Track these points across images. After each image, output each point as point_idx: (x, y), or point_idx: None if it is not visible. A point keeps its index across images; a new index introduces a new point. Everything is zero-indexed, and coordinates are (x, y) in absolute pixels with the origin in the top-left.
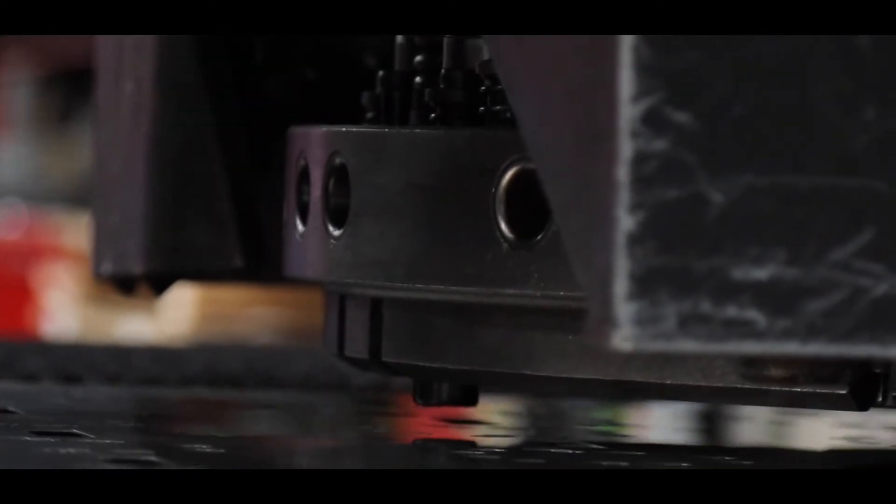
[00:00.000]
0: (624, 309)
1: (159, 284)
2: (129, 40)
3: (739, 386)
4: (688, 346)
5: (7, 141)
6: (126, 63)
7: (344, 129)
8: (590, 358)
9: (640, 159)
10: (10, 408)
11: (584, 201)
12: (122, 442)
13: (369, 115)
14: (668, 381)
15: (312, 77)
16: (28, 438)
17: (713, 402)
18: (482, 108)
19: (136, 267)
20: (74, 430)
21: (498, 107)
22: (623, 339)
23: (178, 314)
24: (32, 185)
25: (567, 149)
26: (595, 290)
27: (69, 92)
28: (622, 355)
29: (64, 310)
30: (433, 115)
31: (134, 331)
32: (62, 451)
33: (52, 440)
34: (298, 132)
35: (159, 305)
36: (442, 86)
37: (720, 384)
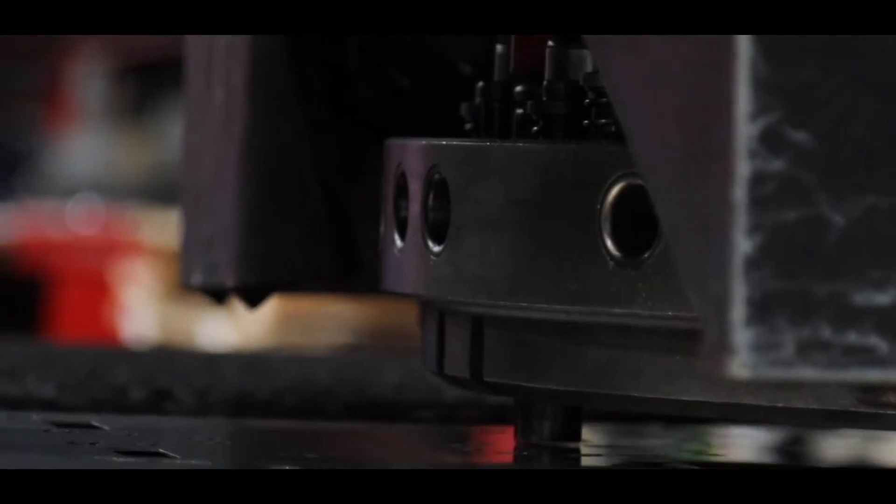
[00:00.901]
0: (741, 335)
1: (251, 297)
2: (221, 45)
3: (854, 410)
4: (807, 373)
5: (82, 134)
6: (217, 68)
7: (444, 142)
8: (699, 380)
9: (757, 180)
10: (95, 422)
11: (698, 222)
12: (209, 464)
13: (468, 126)
14: (780, 405)
15: (406, 84)
16: (113, 458)
17: (826, 426)
18: (586, 121)
19: (228, 279)
20: (160, 451)
21: (603, 120)
22: (740, 366)
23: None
24: (108, 180)
25: (679, 166)
26: (710, 315)
27: (144, 84)
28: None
29: (142, 306)
30: (535, 127)
31: (212, 327)
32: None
33: (136, 460)
34: (395, 144)
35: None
36: (544, 98)
37: (834, 407)
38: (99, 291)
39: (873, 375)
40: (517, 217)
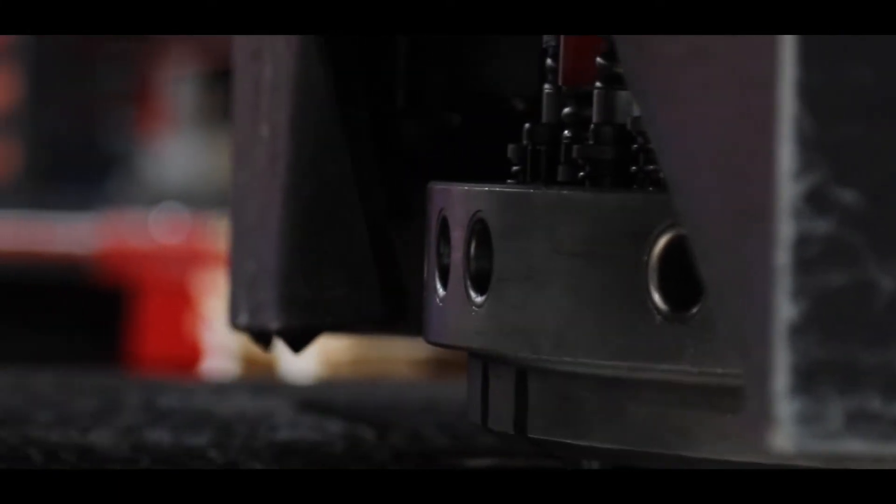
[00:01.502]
0: (785, 406)
1: (296, 340)
2: (266, 80)
3: None
4: (855, 446)
5: (172, 139)
6: (263, 106)
7: (486, 187)
8: (751, 441)
9: (802, 241)
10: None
11: (740, 284)
12: None
13: (514, 168)
14: (837, 467)
15: (455, 123)
16: None
17: None
18: (633, 167)
19: (272, 322)
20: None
21: (651, 166)
22: (784, 439)
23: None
24: (194, 187)
25: (720, 224)
26: (753, 383)
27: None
28: None
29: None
30: (581, 172)
31: None
32: None
33: None
34: (438, 188)
35: None
36: (591, 141)
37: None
38: (181, 302)
39: None
40: (561, 268)
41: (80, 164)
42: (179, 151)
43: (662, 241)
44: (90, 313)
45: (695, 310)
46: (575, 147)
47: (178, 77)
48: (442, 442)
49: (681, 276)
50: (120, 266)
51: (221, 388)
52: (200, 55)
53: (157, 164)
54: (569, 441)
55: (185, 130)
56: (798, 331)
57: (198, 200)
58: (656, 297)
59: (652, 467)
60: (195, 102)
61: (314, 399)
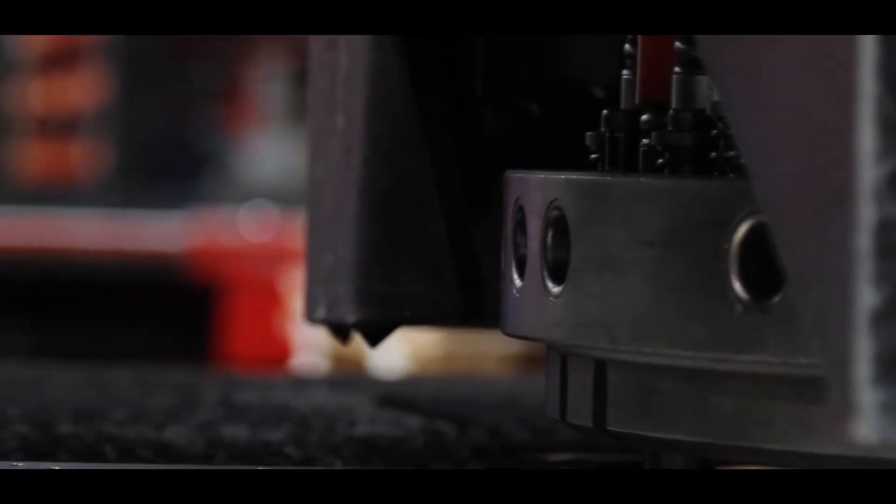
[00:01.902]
0: (867, 395)
1: (373, 334)
2: (342, 68)
3: None
4: None
5: (262, 137)
6: (338, 96)
7: (563, 175)
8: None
9: (884, 226)
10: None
11: (821, 271)
12: None
13: (593, 156)
14: None
15: (535, 111)
16: None
17: None
18: (713, 154)
19: (349, 315)
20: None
21: (731, 152)
22: (867, 429)
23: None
24: (284, 185)
25: (800, 209)
26: (834, 373)
27: None
28: None
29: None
30: (660, 159)
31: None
32: None
33: None
34: (515, 177)
35: None
36: (670, 128)
37: None
38: (270, 300)
39: None
40: (639, 257)
41: (172, 162)
42: (269, 149)
43: (743, 229)
44: (180, 311)
45: (776, 299)
46: (653, 134)
47: (268, 75)
48: (522, 437)
49: (762, 264)
50: (210, 264)
51: (300, 384)
52: (290, 53)
53: (247, 161)
54: (649, 434)
55: (274, 128)
56: (880, 318)
57: (287, 198)
58: (737, 286)
59: (735, 461)
60: (285, 101)
61: (394, 394)
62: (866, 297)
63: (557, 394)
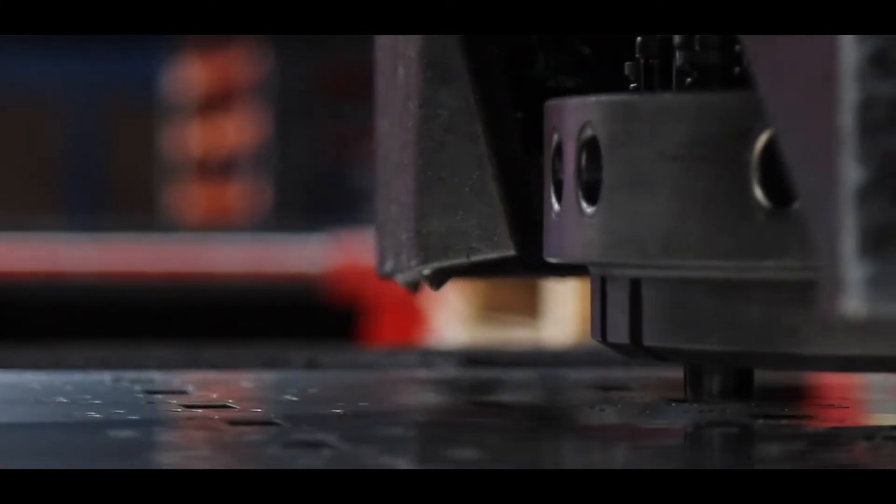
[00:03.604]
0: (855, 269)
1: (435, 277)
2: None
3: None
4: None
5: None
6: (399, 47)
7: (594, 98)
8: (858, 332)
9: (867, 104)
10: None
11: (811, 151)
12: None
13: (632, 85)
14: None
15: (587, 52)
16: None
17: None
18: (738, 69)
19: (411, 260)
20: (322, 440)
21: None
22: (854, 302)
23: (562, 325)
24: None
25: (794, 93)
26: (824, 249)
27: None
28: (891, 329)
29: (453, 331)
30: (689, 79)
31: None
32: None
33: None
34: (552, 105)
35: (543, 314)
36: (697, 48)
37: None
38: (412, 318)
39: None
40: (666, 172)
41: (326, 198)
42: None
43: (763, 139)
44: (324, 331)
45: (797, 205)
46: (681, 55)
47: None
48: None
49: (783, 172)
50: (351, 284)
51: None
52: None
53: None
54: (683, 347)
55: None
56: (866, 193)
57: None
58: (759, 195)
59: (763, 368)
60: None
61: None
62: (851, 173)
63: (599, 315)
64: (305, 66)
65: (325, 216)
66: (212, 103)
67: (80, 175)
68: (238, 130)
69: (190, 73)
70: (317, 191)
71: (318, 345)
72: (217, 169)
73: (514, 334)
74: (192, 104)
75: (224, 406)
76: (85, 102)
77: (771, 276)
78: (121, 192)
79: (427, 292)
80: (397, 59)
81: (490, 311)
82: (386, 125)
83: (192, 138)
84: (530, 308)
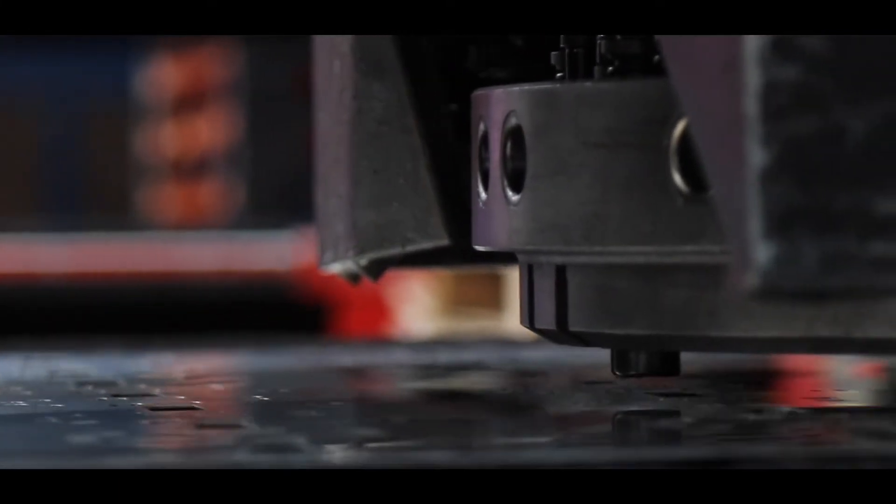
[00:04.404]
0: (761, 249)
1: (372, 269)
2: None
3: None
4: (832, 286)
5: None
6: (334, 41)
7: (517, 88)
8: (775, 315)
9: (770, 89)
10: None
11: (719, 135)
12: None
13: (559, 74)
14: (858, 335)
15: (518, 43)
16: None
17: None
18: (657, 57)
19: (348, 251)
20: (240, 423)
21: None
22: (761, 281)
23: None
24: None
25: (704, 82)
26: (732, 230)
27: None
28: (809, 311)
29: (419, 327)
30: (611, 67)
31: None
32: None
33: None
34: (479, 95)
35: (508, 307)
36: (618, 37)
37: None
38: (379, 314)
39: None
40: (588, 159)
41: (298, 197)
42: None
43: (681, 125)
44: (291, 329)
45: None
46: (603, 44)
47: None
48: None
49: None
50: (317, 281)
51: None
52: None
53: None
54: (607, 331)
55: None
56: (770, 176)
57: None
58: (678, 180)
59: (685, 350)
60: None
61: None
62: (756, 156)
63: (526, 302)
64: (277, 66)
65: (297, 214)
66: (185, 104)
67: (54, 176)
68: (211, 130)
69: (163, 74)
70: (290, 189)
71: (287, 341)
72: (190, 169)
73: (480, 326)
74: (165, 105)
75: (148, 395)
76: (58, 104)
77: (691, 259)
78: (95, 192)
79: (394, 287)
80: (333, 54)
81: (455, 304)
82: (323, 119)
83: (166, 139)
84: (495, 301)
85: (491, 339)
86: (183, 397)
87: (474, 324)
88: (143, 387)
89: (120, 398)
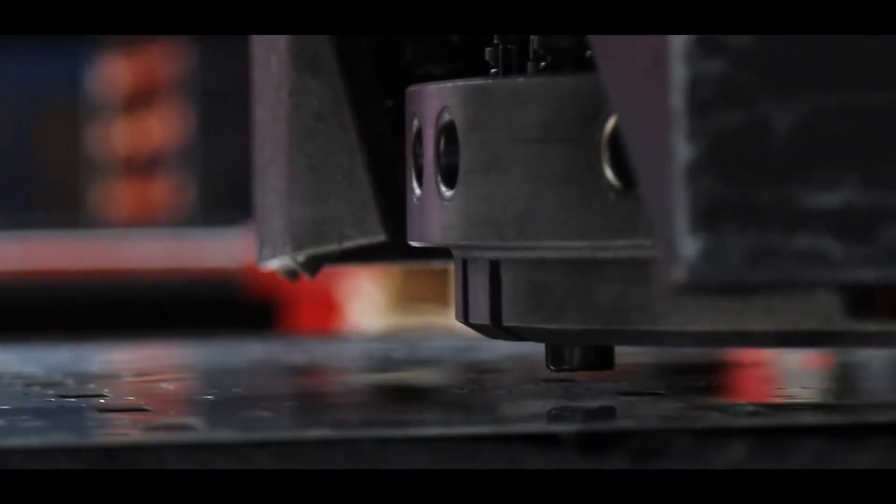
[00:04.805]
0: (687, 244)
1: (309, 265)
2: None
3: (857, 330)
4: (757, 280)
5: None
6: (272, 38)
7: (450, 84)
8: (706, 308)
9: (696, 84)
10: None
11: (648, 133)
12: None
13: (493, 70)
14: (788, 328)
15: (455, 41)
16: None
17: (836, 346)
18: (588, 52)
19: (285, 247)
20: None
21: None
22: (687, 275)
23: None
24: None
25: (632, 77)
26: (659, 225)
27: None
28: (738, 304)
29: (369, 323)
30: (543, 63)
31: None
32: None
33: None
34: (412, 91)
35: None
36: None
37: (838, 328)
38: (328, 310)
39: (826, 278)
40: (520, 154)
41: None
42: None
43: (613, 120)
44: (240, 325)
45: None
46: (535, 39)
47: None
48: None
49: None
50: (266, 278)
51: None
52: None
53: None
54: (540, 326)
55: None
56: (696, 171)
57: None
58: (609, 175)
59: (618, 344)
60: None
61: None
62: (682, 151)
63: (461, 297)
64: (229, 64)
65: (248, 212)
66: (136, 101)
67: (4, 174)
68: (162, 128)
69: (114, 71)
70: (240, 187)
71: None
72: (142, 166)
73: (429, 321)
74: (116, 102)
75: (99, 395)
76: (8, 102)
77: (623, 254)
78: (45, 190)
79: (343, 284)
80: (270, 50)
81: (405, 299)
82: (261, 115)
83: (117, 136)
84: (443, 296)
85: (442, 335)
86: (132, 397)
87: (422, 319)
88: (92, 386)
89: (67, 398)
